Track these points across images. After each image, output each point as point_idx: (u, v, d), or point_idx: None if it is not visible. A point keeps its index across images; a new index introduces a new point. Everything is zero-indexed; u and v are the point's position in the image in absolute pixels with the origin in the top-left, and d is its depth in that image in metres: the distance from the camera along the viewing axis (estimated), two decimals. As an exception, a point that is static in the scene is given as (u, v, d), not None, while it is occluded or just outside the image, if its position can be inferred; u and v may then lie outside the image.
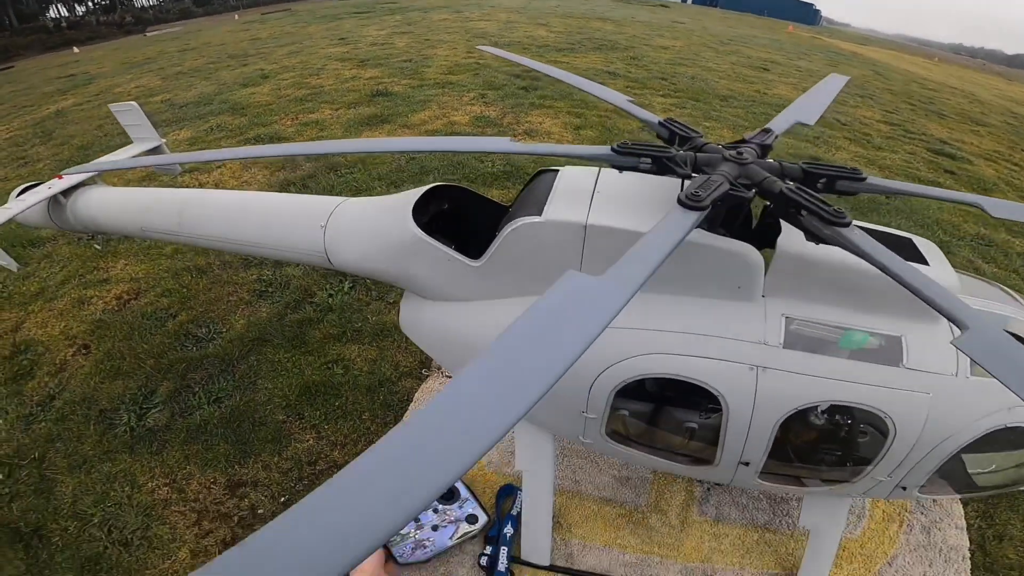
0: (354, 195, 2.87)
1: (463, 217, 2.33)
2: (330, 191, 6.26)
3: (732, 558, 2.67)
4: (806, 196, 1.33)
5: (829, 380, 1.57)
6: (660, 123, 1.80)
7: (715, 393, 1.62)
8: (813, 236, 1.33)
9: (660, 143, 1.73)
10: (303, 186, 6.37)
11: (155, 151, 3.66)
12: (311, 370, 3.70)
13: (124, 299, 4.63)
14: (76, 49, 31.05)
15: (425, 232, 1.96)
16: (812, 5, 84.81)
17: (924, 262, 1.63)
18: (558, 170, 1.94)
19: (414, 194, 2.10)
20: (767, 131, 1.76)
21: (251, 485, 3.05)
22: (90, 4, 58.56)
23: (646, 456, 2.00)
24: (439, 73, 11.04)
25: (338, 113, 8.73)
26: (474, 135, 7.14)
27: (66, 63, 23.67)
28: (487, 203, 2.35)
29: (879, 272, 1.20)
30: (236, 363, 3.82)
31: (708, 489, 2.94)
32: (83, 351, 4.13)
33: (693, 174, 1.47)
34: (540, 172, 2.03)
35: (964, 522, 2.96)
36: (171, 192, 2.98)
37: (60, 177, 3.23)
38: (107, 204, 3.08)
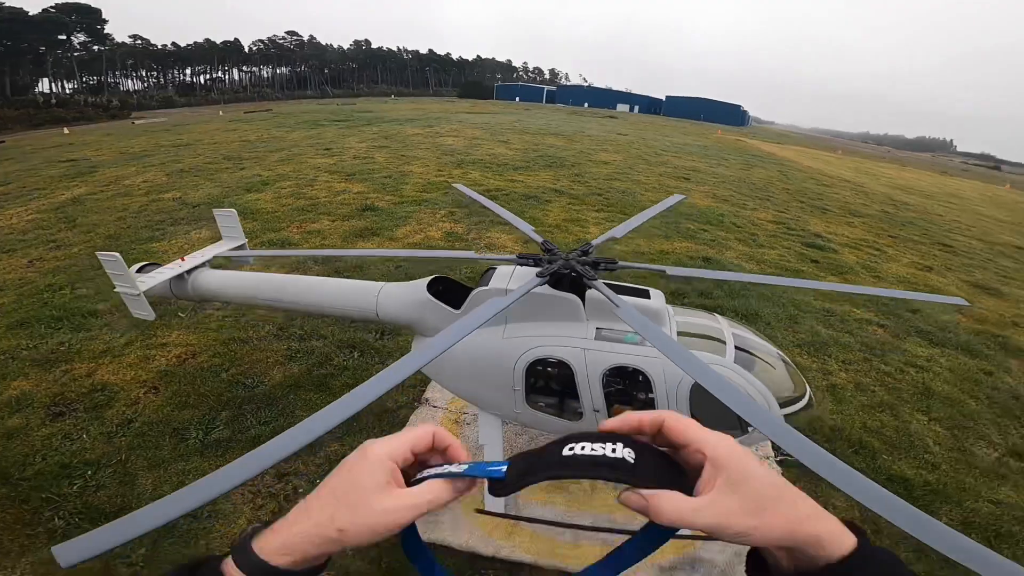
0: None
1: (453, 292, 4.02)
2: None
3: (628, 511, 4.13)
4: (584, 270, 3.05)
5: (617, 354, 3.17)
6: (542, 242, 3.59)
7: (568, 363, 3.25)
8: (587, 286, 3.07)
9: (540, 252, 3.54)
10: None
11: (240, 248, 5.24)
12: None
13: (183, 358, 5.96)
14: (67, 130, 32.72)
15: (431, 294, 3.67)
16: (740, 107, 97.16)
17: (647, 297, 3.32)
18: (496, 267, 3.72)
19: (427, 279, 3.90)
20: (588, 244, 3.54)
21: (294, 474, 4.30)
22: (77, 83, 62.10)
23: (549, 418, 3.50)
24: (415, 190, 13.32)
25: (335, 224, 10.59)
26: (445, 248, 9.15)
27: (60, 144, 25.49)
28: (464, 286, 4.09)
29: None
30: (278, 401, 5.18)
31: None
32: (153, 391, 5.34)
33: (547, 264, 3.19)
34: (488, 268, 3.82)
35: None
36: (271, 275, 4.65)
37: (183, 259, 4.77)
38: (219, 282, 4.65)
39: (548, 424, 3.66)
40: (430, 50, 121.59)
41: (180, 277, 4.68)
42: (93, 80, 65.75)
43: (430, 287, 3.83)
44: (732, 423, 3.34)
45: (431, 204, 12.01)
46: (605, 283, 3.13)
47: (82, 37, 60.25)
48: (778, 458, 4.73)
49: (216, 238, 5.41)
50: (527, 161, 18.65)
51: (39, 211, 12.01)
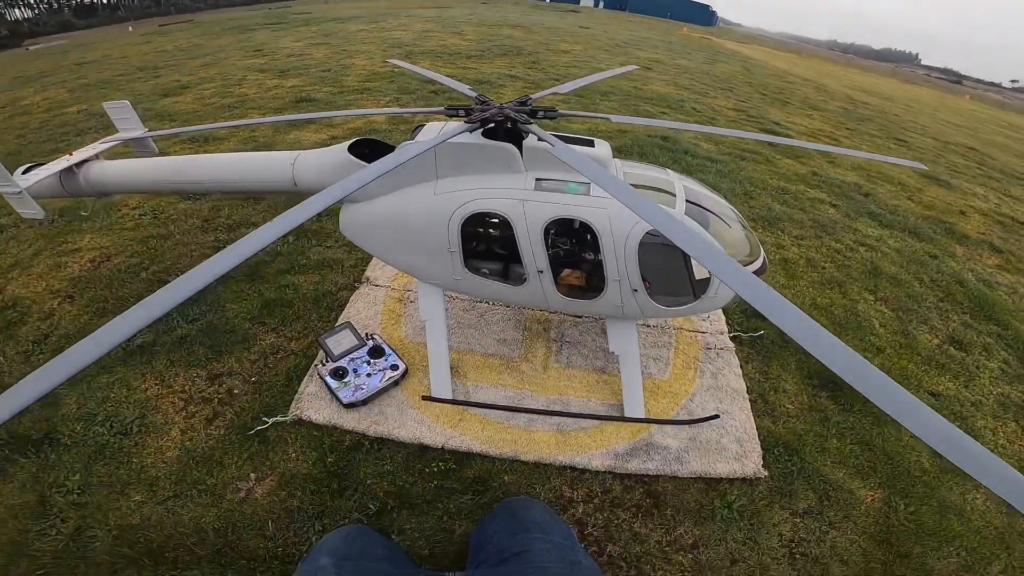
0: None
1: (379, 153, 3.67)
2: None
3: (581, 392, 3.89)
4: (520, 116, 2.77)
5: (558, 205, 3.03)
6: (476, 97, 3.27)
7: (506, 217, 2.97)
8: (522, 131, 2.81)
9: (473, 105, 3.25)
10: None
11: (140, 141, 4.76)
12: (268, 292, 4.77)
13: (97, 262, 5.35)
14: None
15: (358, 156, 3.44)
16: (708, 7, 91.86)
17: (592, 146, 3.05)
18: (425, 123, 3.41)
19: (347, 142, 3.52)
20: (527, 96, 3.23)
21: (227, 375, 3.97)
22: None
23: (491, 282, 3.33)
24: (358, 81, 12.11)
25: (267, 117, 9.66)
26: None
27: None
28: (384, 144, 3.75)
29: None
30: (205, 295, 4.69)
31: (560, 346, 4.27)
32: (68, 300, 4.81)
33: (477, 114, 2.98)
34: (417, 126, 3.48)
35: (741, 371, 4.21)
36: (169, 158, 4.21)
37: (71, 154, 4.32)
38: (115, 172, 4.20)
39: (490, 290, 3.43)
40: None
41: (70, 171, 4.26)
42: None
43: (352, 149, 3.43)
44: (682, 286, 3.24)
45: (375, 92, 10.99)
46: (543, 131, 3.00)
47: None
48: (732, 334, 4.68)
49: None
50: (481, 50, 17.24)
51: None
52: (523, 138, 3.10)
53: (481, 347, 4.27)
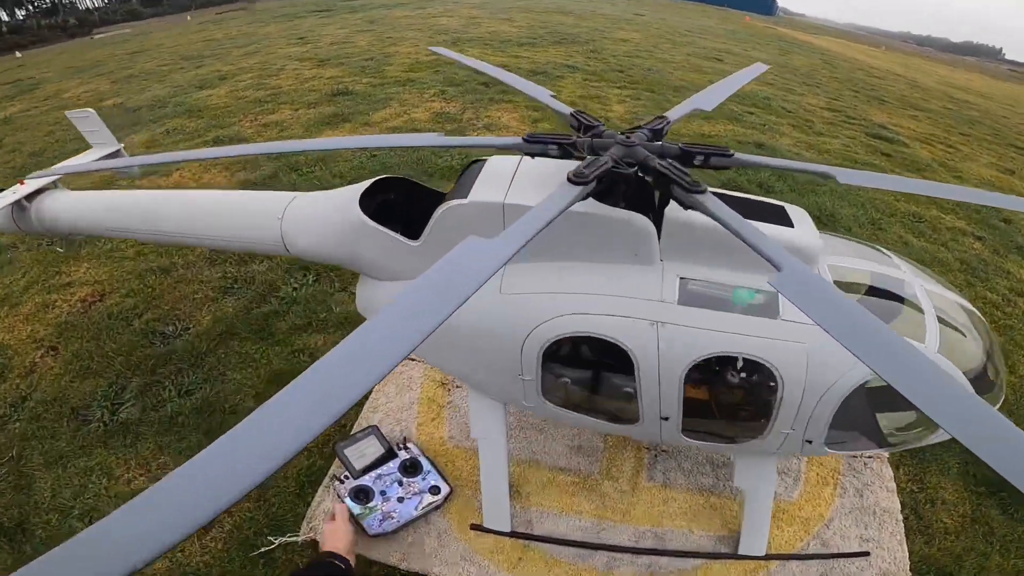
0: (313, 189, 3.01)
1: (410, 205, 2.49)
2: (293, 189, 6.37)
3: (680, 521, 2.84)
4: (672, 170, 1.55)
5: (721, 333, 1.79)
6: (571, 114, 2.00)
7: (624, 348, 1.85)
8: (681, 204, 1.57)
9: (570, 131, 1.95)
10: (265, 186, 6.41)
11: (114, 155, 3.74)
12: (278, 360, 3.81)
13: (89, 301, 4.61)
14: (19, 54, 29.46)
15: (373, 219, 2.18)
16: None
17: (790, 225, 1.89)
18: (486, 159, 2.15)
19: (361, 185, 2.31)
20: (662, 117, 1.98)
21: None
22: (30, 7, 55.56)
23: (581, 417, 2.21)
24: (400, 71, 11.06)
25: (298, 113, 8.70)
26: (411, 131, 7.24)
27: (9, 68, 22.45)
28: (430, 192, 2.52)
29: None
30: (205, 357, 3.89)
31: (655, 456, 3.14)
32: (51, 352, 4.13)
33: (588, 156, 1.68)
34: (472, 162, 2.23)
35: (895, 484, 3.13)
36: (134, 193, 3.12)
37: (22, 183, 3.26)
38: (71, 207, 3.16)
39: (579, 422, 2.35)
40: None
41: (20, 205, 3.21)
42: (46, 3, 58.00)
43: (366, 200, 2.23)
44: (874, 437, 2.17)
45: (419, 84, 9.89)
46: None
47: None
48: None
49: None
50: (534, 38, 15.91)
51: None
52: (665, 203, 1.87)
53: (549, 458, 3.13)
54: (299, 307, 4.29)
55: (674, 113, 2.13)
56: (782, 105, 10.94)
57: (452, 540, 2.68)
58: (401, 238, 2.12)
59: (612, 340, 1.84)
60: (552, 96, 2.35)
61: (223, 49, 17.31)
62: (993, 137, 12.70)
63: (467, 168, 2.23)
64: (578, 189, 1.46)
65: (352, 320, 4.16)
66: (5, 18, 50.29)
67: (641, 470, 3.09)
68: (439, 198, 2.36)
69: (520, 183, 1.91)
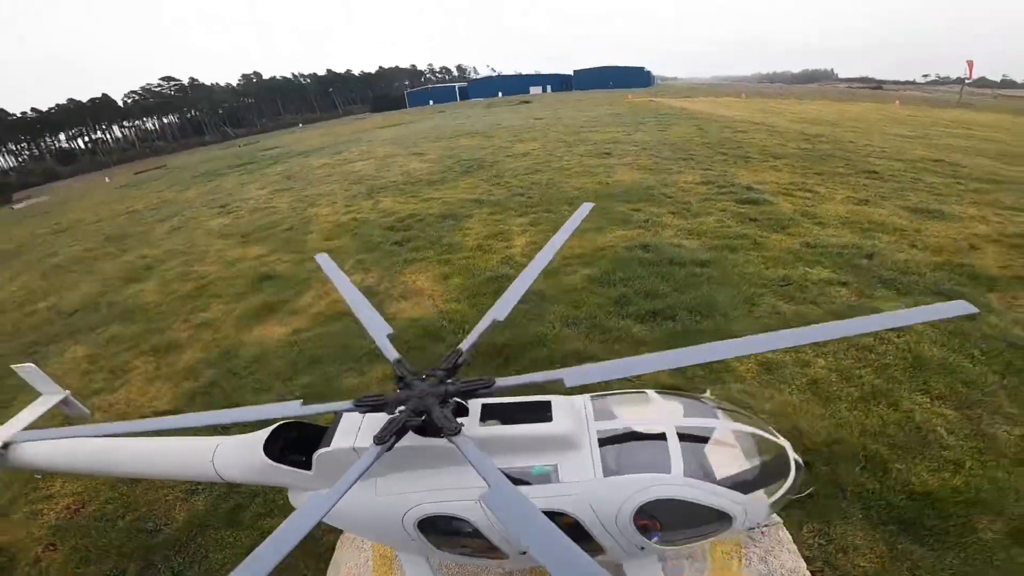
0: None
1: (304, 440, 3.20)
2: (231, 394, 6.66)
3: None
4: (442, 418, 2.32)
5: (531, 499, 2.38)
6: (395, 360, 2.73)
7: (467, 520, 2.63)
8: (448, 440, 2.30)
9: (385, 392, 2.64)
10: (207, 393, 6.75)
11: (64, 402, 4.38)
12: (249, 540, 4.52)
13: (73, 508, 5.22)
14: None
15: (274, 456, 2.97)
16: (643, 68, 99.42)
17: (549, 419, 2.62)
18: (342, 415, 2.90)
19: (264, 433, 3.07)
20: (459, 351, 2.71)
21: None
22: None
23: (474, 559, 2.91)
24: (320, 239, 11.90)
25: (228, 308, 9.09)
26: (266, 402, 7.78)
27: None
28: (312, 427, 3.29)
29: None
30: (187, 544, 4.58)
31: None
32: (51, 548, 4.79)
33: (398, 411, 2.45)
34: (338, 414, 2.96)
35: (795, 545, 3.50)
36: (93, 442, 3.78)
37: None
38: (43, 453, 3.87)
39: (476, 562, 3.12)
40: (328, 70, 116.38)
41: None
42: None
43: (271, 442, 3.07)
44: (700, 527, 2.77)
45: (338, 254, 10.62)
46: (488, 402, 2.71)
47: None
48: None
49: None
50: (443, 171, 17.52)
51: None
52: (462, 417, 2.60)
53: None
54: (259, 499, 4.92)
55: (467, 341, 2.82)
56: (663, 192, 12.35)
57: None
58: (297, 471, 2.94)
59: (454, 515, 2.64)
60: (388, 336, 2.97)
61: (146, 224, 17.99)
62: (846, 168, 14.57)
63: (336, 420, 2.95)
64: (381, 447, 2.31)
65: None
66: None
67: None
68: (319, 433, 3.07)
69: (363, 433, 2.73)
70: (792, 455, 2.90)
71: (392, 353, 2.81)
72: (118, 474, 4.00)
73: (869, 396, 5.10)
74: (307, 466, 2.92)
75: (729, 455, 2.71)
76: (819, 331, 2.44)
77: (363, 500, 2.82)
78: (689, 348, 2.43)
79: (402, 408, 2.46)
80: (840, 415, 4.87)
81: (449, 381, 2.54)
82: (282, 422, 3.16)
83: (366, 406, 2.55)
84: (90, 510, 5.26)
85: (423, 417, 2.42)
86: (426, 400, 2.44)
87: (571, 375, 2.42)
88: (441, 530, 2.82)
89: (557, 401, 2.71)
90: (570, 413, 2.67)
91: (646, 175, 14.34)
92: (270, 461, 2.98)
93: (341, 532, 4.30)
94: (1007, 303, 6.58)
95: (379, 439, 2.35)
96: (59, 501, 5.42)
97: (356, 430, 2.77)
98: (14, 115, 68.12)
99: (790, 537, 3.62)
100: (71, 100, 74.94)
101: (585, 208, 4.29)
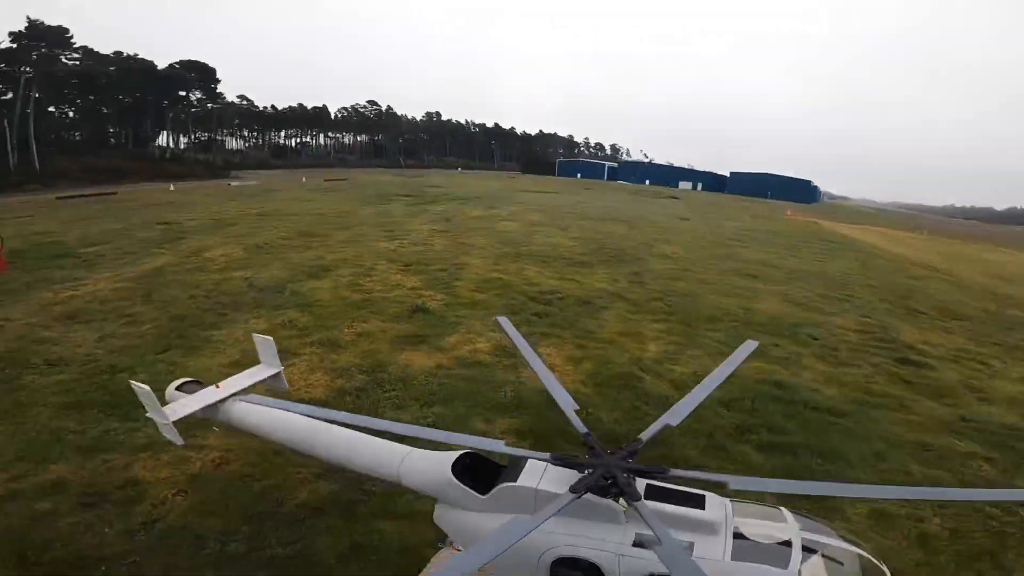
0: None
1: (480, 470, 3.89)
2: (375, 403, 7.66)
3: None
4: (626, 487, 2.96)
5: (655, 561, 2.90)
6: (584, 434, 3.42)
7: (599, 567, 3.14)
8: (627, 502, 2.98)
9: (579, 454, 3.36)
10: (355, 395, 7.85)
11: (275, 376, 5.30)
12: (358, 535, 5.04)
13: (218, 463, 6.06)
14: (172, 187, 37.75)
15: (457, 475, 3.69)
16: (810, 183, 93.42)
17: (702, 507, 3.17)
18: (527, 459, 3.55)
19: (451, 455, 3.80)
20: (638, 440, 3.37)
21: None
22: (192, 138, 70.33)
23: None
24: (468, 289, 13.23)
25: (384, 326, 10.52)
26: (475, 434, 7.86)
27: (161, 203, 28.76)
28: (490, 462, 4.01)
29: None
30: (301, 522, 5.13)
31: None
32: (181, 494, 5.50)
33: (586, 472, 3.13)
34: (515, 459, 3.64)
35: None
36: (295, 420, 4.53)
37: (218, 387, 4.89)
38: (251, 416, 4.77)
39: None
40: (496, 124, 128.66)
41: (213, 405, 4.88)
42: (204, 136, 74.28)
43: (456, 465, 3.76)
44: None
45: (482, 308, 11.80)
46: (655, 486, 3.22)
47: (198, 94, 66.77)
48: None
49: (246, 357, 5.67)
50: (586, 253, 18.41)
51: (124, 280, 13.16)
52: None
53: None
54: (377, 500, 5.52)
55: (646, 434, 3.47)
56: (809, 333, 11.63)
57: None
58: (475, 493, 3.60)
59: (591, 560, 3.17)
60: (575, 410, 3.70)
61: (328, 228, 21.12)
62: None
63: (513, 462, 3.64)
64: (572, 496, 2.95)
65: (414, 515, 5.18)
66: (171, 145, 64.34)
67: None
68: (495, 468, 3.87)
69: (546, 480, 3.38)
70: None
71: (581, 427, 3.55)
72: (311, 455, 4.64)
73: (975, 554, 5.05)
74: (481, 491, 3.61)
75: (840, 570, 3.10)
76: (957, 492, 2.98)
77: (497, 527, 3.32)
78: (849, 484, 3.13)
79: (590, 471, 3.13)
80: (937, 564, 4.89)
81: (630, 461, 3.20)
82: (467, 451, 3.88)
83: (561, 462, 3.30)
84: (231, 468, 6.01)
85: (608, 481, 3.08)
86: (613, 470, 3.09)
87: (738, 481, 3.16)
88: (568, 574, 3.32)
89: (711, 499, 3.28)
90: (717, 513, 3.20)
91: (794, 309, 13.72)
92: (455, 479, 3.69)
93: (437, 550, 4.65)
94: None
95: (575, 489, 3.00)
96: (208, 453, 6.23)
97: (539, 476, 3.45)
98: (258, 107, 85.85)
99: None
100: (300, 105, 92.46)
101: (749, 346, 4.75)
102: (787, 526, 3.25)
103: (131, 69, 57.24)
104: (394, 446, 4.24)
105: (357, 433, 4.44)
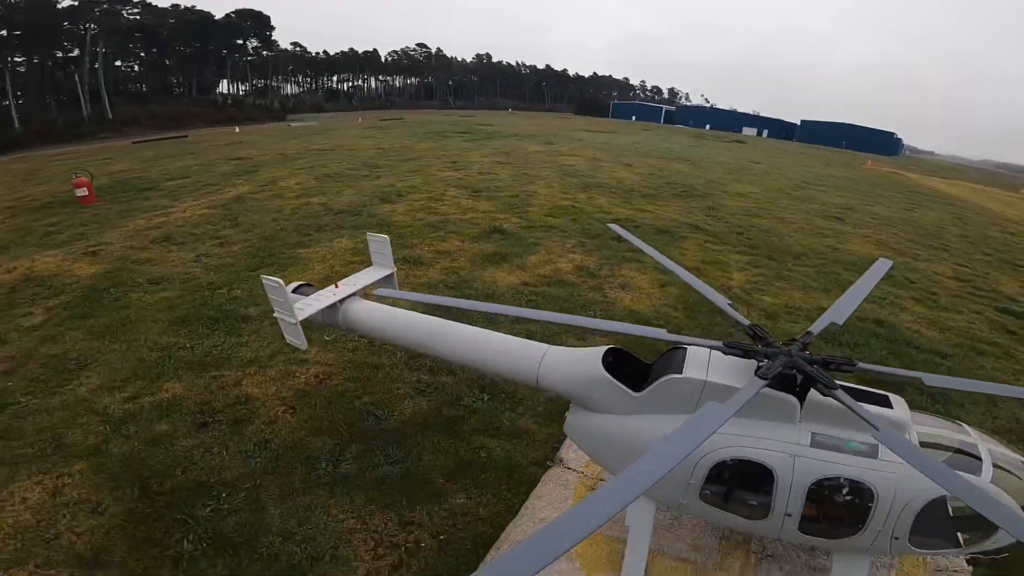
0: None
1: (625, 365, 3.60)
2: (462, 317, 7.85)
3: None
4: (817, 374, 2.69)
5: (835, 464, 2.78)
6: (749, 326, 3.12)
7: (769, 468, 2.90)
8: (821, 393, 2.70)
9: (748, 340, 3.10)
10: (445, 309, 7.94)
11: (387, 278, 5.12)
12: (463, 452, 4.97)
13: (320, 378, 6.10)
14: (237, 129, 39.40)
15: (608, 370, 3.30)
16: (892, 135, 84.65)
17: (889, 406, 2.93)
18: (687, 348, 3.24)
19: (600, 350, 3.47)
20: (809, 333, 3.08)
21: (417, 525, 4.15)
22: (249, 86, 72.97)
23: (723, 513, 3.08)
24: (542, 214, 13.13)
25: (464, 246, 10.71)
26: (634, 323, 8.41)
27: (231, 142, 29.79)
28: (633, 358, 3.66)
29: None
30: (407, 439, 5.08)
31: (761, 559, 3.80)
32: (291, 411, 5.47)
33: (764, 360, 2.85)
34: (674, 348, 3.35)
35: None
36: (422, 318, 4.35)
37: (337, 287, 4.72)
38: (373, 316, 4.56)
39: (719, 519, 3.22)
40: (547, 65, 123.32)
41: (333, 306, 4.68)
42: (261, 83, 76.14)
43: (603, 361, 3.41)
44: (949, 538, 2.99)
45: (559, 232, 11.73)
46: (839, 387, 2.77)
47: (255, 43, 68.86)
48: (968, 555, 3.71)
49: (354, 258, 5.67)
50: (654, 188, 17.77)
51: (209, 206, 13.82)
52: (808, 389, 2.93)
53: (673, 549, 3.94)
54: (477, 416, 5.51)
55: (816, 327, 3.21)
56: (905, 276, 11.05)
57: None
58: (628, 389, 3.25)
59: (762, 462, 2.91)
60: (730, 305, 3.44)
61: (391, 161, 21.26)
62: None
63: (670, 351, 3.36)
64: (762, 382, 2.64)
65: (518, 432, 5.29)
66: (231, 92, 67.03)
67: (747, 568, 3.77)
68: (643, 365, 3.55)
69: (713, 369, 3.06)
70: None
71: (743, 319, 3.27)
72: (441, 355, 4.22)
73: None
74: (634, 388, 3.27)
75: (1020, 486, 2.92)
76: None
77: (651, 431, 3.06)
78: None
79: (768, 360, 2.80)
80: None
81: (807, 353, 2.89)
82: (612, 346, 3.56)
83: (737, 350, 2.98)
84: (334, 383, 5.95)
85: (793, 371, 2.79)
86: (796, 360, 2.78)
87: (929, 378, 2.82)
88: (729, 477, 3.05)
89: (894, 398, 3.04)
90: (903, 412, 2.97)
91: (886, 252, 12.87)
92: (607, 374, 3.30)
93: (547, 469, 4.70)
94: None
95: (763, 375, 2.69)
96: (311, 368, 6.21)
97: (706, 366, 3.10)
98: (311, 53, 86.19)
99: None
100: (351, 49, 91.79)
101: (883, 265, 4.33)
102: (970, 438, 3.05)
103: (189, 20, 58.54)
104: (531, 344, 3.84)
105: (488, 331, 4.10)
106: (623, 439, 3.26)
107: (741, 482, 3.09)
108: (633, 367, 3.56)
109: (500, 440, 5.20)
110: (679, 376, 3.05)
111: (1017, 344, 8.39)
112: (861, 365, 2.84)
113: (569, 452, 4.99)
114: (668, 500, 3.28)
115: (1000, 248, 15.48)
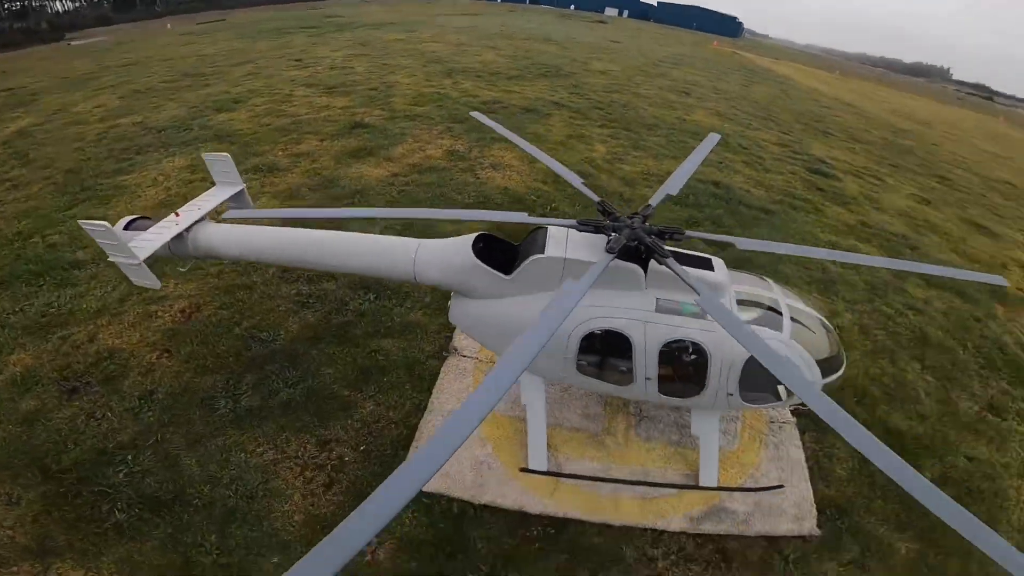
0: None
1: (495, 250, 3.77)
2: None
3: (660, 463, 4.23)
4: (654, 245, 3.12)
5: (676, 327, 3.24)
6: (599, 202, 3.43)
7: (627, 336, 3.26)
8: (657, 262, 3.09)
9: (600, 216, 3.37)
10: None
11: (238, 195, 4.62)
12: (360, 357, 4.93)
13: (187, 312, 5.44)
14: None
15: (479, 257, 3.46)
16: (735, 19, 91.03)
17: (711, 269, 3.34)
18: (547, 229, 3.49)
19: (470, 237, 3.56)
20: (648, 205, 3.45)
21: (335, 442, 4.19)
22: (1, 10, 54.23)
23: (598, 382, 3.53)
24: (406, 104, 12.34)
25: (324, 145, 9.80)
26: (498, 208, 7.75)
27: None
28: (501, 242, 3.84)
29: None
30: (300, 357, 4.86)
31: (639, 420, 4.51)
32: (165, 354, 4.91)
33: (612, 234, 3.12)
34: (536, 229, 3.58)
35: (800, 443, 4.51)
36: (291, 232, 4.03)
37: (177, 215, 4.17)
38: (231, 238, 4.12)
39: (596, 387, 3.72)
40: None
41: (179, 236, 4.18)
42: (16, 5, 56.43)
43: (474, 248, 3.55)
44: (772, 392, 3.56)
45: (425, 119, 11.23)
46: (672, 253, 3.11)
47: None
48: (793, 408, 4.87)
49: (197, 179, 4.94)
50: (520, 69, 17.43)
51: None
52: (649, 258, 3.27)
53: (568, 421, 4.55)
54: (367, 318, 5.42)
55: (654, 199, 3.58)
56: (739, 142, 12.60)
57: (508, 480, 3.97)
58: (498, 274, 3.46)
59: (620, 331, 3.28)
60: (583, 183, 3.70)
61: (220, 67, 17.98)
62: (920, 167, 14.65)
63: (532, 233, 3.57)
64: (611, 256, 3.03)
65: (411, 327, 5.34)
66: None
67: (630, 429, 4.51)
68: (510, 248, 3.72)
69: (571, 246, 3.33)
70: (844, 354, 3.69)
71: (594, 195, 3.51)
72: (309, 266, 4.11)
73: (878, 351, 5.98)
74: (505, 272, 3.40)
75: (819, 338, 3.51)
76: (874, 259, 3.72)
77: (524, 310, 3.28)
78: (838, 251, 4.02)
79: (615, 233, 3.08)
80: (854, 360, 5.67)
81: (647, 224, 3.18)
82: (481, 232, 3.65)
83: (589, 226, 3.16)
84: (205, 314, 5.39)
85: (635, 243, 3.08)
86: (638, 232, 3.07)
87: (741, 242, 3.26)
88: (597, 347, 3.37)
89: (715, 261, 3.43)
90: (723, 275, 3.35)
91: (724, 123, 14.44)
92: (478, 261, 3.42)
93: (444, 360, 4.87)
94: (1009, 317, 7.32)
95: (611, 250, 2.90)
96: (172, 304, 5.52)
97: (564, 244, 3.29)
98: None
99: (798, 435, 4.63)
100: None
101: (712, 139, 4.89)
102: (773, 294, 3.50)
103: None
104: (403, 240, 3.80)
105: (358, 235, 3.98)
106: (502, 320, 3.50)
107: (606, 351, 3.49)
108: (502, 251, 3.73)
109: (394, 339, 5.22)
110: (542, 256, 3.32)
111: (823, 200, 10.12)
112: (688, 233, 3.24)
113: (461, 340, 5.27)
114: (552, 375, 3.67)
115: (814, 119, 18.00)
